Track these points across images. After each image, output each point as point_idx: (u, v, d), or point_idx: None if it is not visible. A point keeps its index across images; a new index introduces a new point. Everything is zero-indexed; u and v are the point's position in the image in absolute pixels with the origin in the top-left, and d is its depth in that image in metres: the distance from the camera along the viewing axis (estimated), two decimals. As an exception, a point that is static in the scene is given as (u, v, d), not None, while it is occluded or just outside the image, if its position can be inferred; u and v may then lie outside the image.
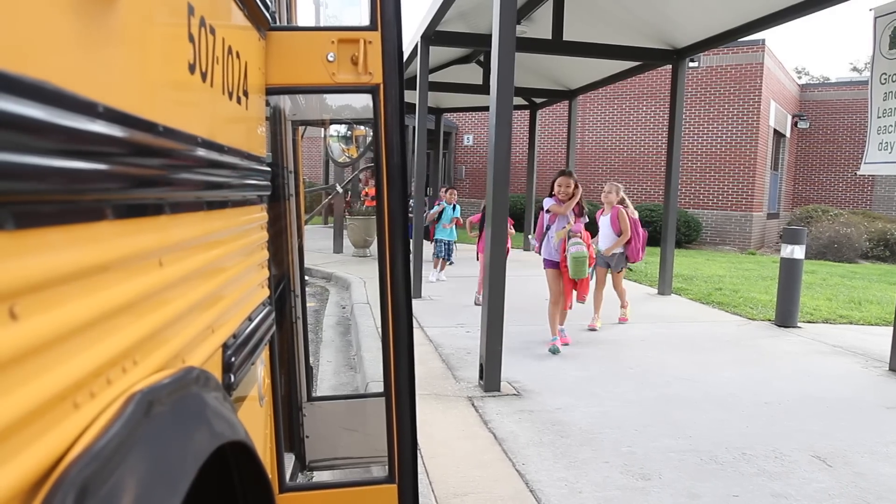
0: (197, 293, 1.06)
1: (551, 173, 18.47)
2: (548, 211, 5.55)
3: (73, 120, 0.63)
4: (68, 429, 0.63)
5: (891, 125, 5.12)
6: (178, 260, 0.98)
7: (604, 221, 6.53)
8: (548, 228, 5.59)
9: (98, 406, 0.69)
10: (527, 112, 14.05)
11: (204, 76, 1.14)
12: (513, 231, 7.12)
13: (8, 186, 0.54)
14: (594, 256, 5.67)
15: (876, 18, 5.28)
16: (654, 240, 9.33)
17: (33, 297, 0.58)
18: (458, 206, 9.27)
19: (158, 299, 0.89)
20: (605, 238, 6.48)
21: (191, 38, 1.06)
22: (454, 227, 9.19)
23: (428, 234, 9.34)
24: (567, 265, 5.29)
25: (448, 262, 9.17)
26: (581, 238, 5.28)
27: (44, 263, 0.60)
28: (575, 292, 5.50)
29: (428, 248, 10.34)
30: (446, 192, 9.45)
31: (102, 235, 0.72)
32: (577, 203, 5.45)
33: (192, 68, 1.07)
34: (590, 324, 6.31)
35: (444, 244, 9.16)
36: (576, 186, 5.46)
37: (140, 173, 0.82)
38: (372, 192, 14.20)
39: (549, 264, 5.52)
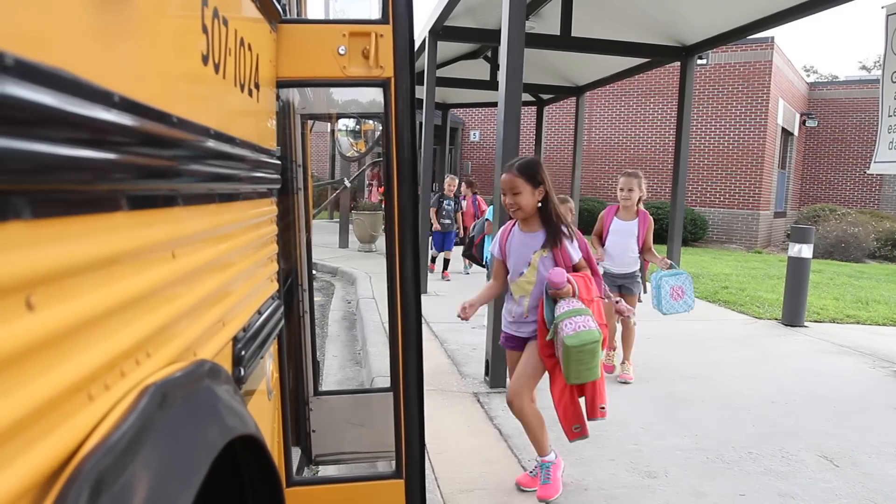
0: (208, 286, 1.06)
1: (558, 170, 18.53)
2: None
3: (90, 109, 0.63)
4: (83, 421, 0.63)
5: (902, 124, 5.08)
6: (191, 252, 0.97)
7: (621, 229, 4.57)
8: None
9: (112, 398, 0.69)
10: (534, 108, 14.01)
11: (217, 68, 1.13)
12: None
13: (25, 175, 0.53)
14: (605, 318, 2.86)
15: (888, 16, 5.23)
16: (660, 238, 9.29)
17: (49, 287, 0.57)
18: None
19: (171, 291, 0.88)
20: (620, 254, 4.55)
21: (204, 30, 1.06)
22: None
23: (470, 251, 7.00)
24: (558, 355, 2.66)
25: None
26: (577, 297, 2.69)
27: (60, 254, 0.59)
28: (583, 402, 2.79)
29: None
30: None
31: (118, 226, 0.72)
32: (553, 223, 2.84)
33: (205, 59, 1.07)
34: (621, 374, 4.57)
35: None
36: (541, 191, 2.82)
37: (155, 164, 0.82)
38: None
39: (508, 340, 3.00)
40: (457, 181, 9.36)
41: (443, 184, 17.39)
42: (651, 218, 4.61)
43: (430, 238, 8.95)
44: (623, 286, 4.57)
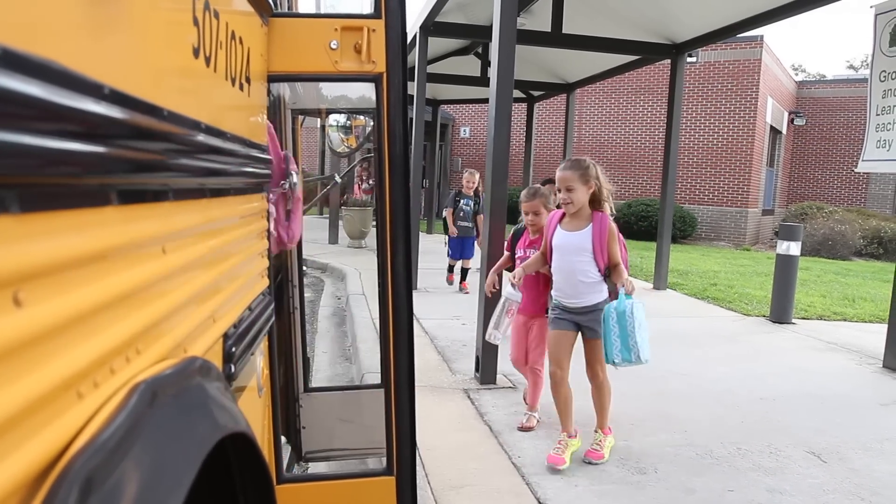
0: (199, 282, 1.05)
1: (548, 167, 18.52)
2: None
3: (80, 101, 0.61)
4: (72, 419, 0.62)
5: (889, 122, 5.12)
6: (182, 248, 0.96)
7: (566, 243, 3.15)
8: None
9: (102, 396, 0.68)
10: (524, 105, 14.02)
11: (208, 61, 1.12)
12: None
13: (13, 168, 0.52)
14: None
15: (876, 16, 5.27)
16: (649, 234, 9.34)
17: (37, 283, 0.56)
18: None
19: (162, 287, 0.87)
20: (567, 279, 3.17)
21: (195, 22, 1.04)
22: None
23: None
24: None
25: None
26: None
27: (48, 249, 0.58)
28: None
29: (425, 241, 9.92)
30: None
31: (107, 221, 0.71)
32: None
33: (196, 52, 1.05)
34: (587, 451, 3.20)
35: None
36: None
37: (145, 158, 0.80)
38: None
39: None
40: (477, 177, 7.71)
41: (434, 180, 17.34)
42: (611, 222, 3.12)
43: (447, 245, 7.86)
44: (583, 326, 3.16)
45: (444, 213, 7.91)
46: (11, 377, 0.52)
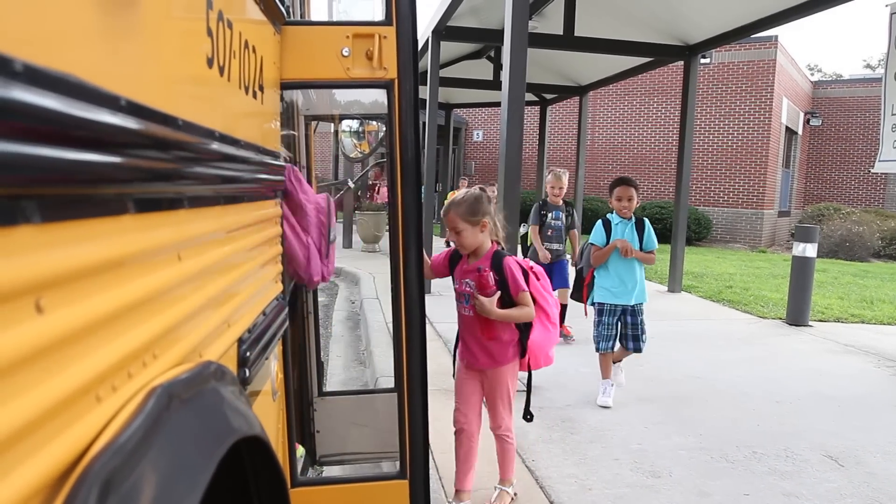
0: (214, 287, 1.07)
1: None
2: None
3: (97, 113, 0.63)
4: (91, 423, 0.63)
5: (906, 123, 5.07)
6: (197, 254, 0.98)
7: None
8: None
9: (120, 400, 0.69)
10: (537, 108, 14.01)
11: (221, 70, 1.14)
12: None
13: (34, 179, 0.54)
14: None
15: (892, 14, 5.22)
16: (664, 237, 9.21)
17: (58, 290, 0.58)
18: (646, 223, 4.39)
19: (177, 293, 0.89)
20: None
21: (209, 33, 1.06)
22: (641, 269, 4.23)
23: (580, 291, 4.37)
24: None
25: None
26: None
27: (68, 257, 0.60)
28: None
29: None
30: (614, 192, 4.25)
31: (124, 229, 0.72)
32: None
33: (210, 62, 1.07)
34: None
35: (631, 314, 4.12)
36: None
37: (161, 167, 0.82)
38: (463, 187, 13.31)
39: None
40: (565, 179, 5.61)
41: (447, 184, 17.32)
42: None
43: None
44: None
45: (524, 230, 5.83)
46: (34, 381, 0.54)
